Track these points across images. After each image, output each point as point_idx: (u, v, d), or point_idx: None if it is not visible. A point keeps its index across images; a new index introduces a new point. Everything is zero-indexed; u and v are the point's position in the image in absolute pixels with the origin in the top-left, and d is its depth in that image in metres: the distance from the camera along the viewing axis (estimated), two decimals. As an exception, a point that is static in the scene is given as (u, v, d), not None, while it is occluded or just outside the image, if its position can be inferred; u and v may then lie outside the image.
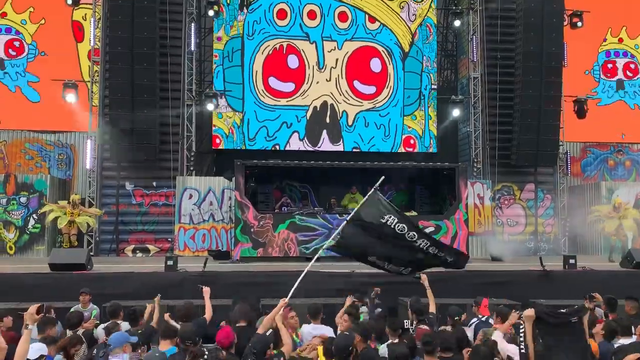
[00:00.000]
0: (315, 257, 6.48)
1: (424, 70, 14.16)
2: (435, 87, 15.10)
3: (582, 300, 8.05)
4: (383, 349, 5.43)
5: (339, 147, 13.55)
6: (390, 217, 6.31)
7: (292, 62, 13.16)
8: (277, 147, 13.69)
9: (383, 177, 6.83)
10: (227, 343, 5.05)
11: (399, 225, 6.31)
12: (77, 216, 13.81)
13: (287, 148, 13.71)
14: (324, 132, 13.54)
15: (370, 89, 13.52)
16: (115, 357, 4.96)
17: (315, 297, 8.88)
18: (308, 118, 13.56)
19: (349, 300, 7.26)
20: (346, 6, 13.25)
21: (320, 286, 9.53)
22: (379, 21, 13.41)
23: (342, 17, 13.29)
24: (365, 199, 6.50)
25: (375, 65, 13.53)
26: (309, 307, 6.76)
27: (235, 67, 13.38)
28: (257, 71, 13.37)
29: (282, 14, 13.10)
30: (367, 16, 13.30)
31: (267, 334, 5.32)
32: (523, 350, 4.28)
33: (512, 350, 4.60)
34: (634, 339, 5.75)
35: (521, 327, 4.29)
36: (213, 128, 15.65)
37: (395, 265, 6.61)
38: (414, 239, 6.38)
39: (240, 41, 13.33)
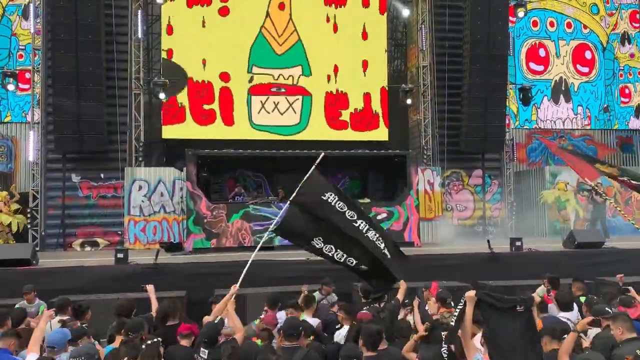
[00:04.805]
0: (260, 243, 6.42)
1: None
2: None
3: (529, 280, 8.44)
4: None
5: None
6: (330, 195, 6.08)
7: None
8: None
9: (323, 154, 6.55)
10: (185, 331, 5.08)
11: (339, 204, 6.09)
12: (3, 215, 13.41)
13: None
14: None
15: None
16: (58, 357, 4.76)
17: (271, 285, 8.92)
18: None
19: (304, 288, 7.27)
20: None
21: (276, 274, 9.55)
22: None
23: None
24: (305, 178, 6.19)
25: None
26: (268, 298, 6.75)
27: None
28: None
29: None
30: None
31: (216, 321, 5.33)
32: (452, 323, 4.28)
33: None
34: (574, 313, 6.06)
35: (459, 305, 4.25)
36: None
37: (340, 251, 6.05)
38: (354, 218, 6.09)
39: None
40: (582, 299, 6.53)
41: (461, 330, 4.14)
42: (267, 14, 16.98)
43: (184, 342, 5.13)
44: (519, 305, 4.09)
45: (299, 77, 17.01)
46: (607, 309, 5.31)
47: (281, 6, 17.04)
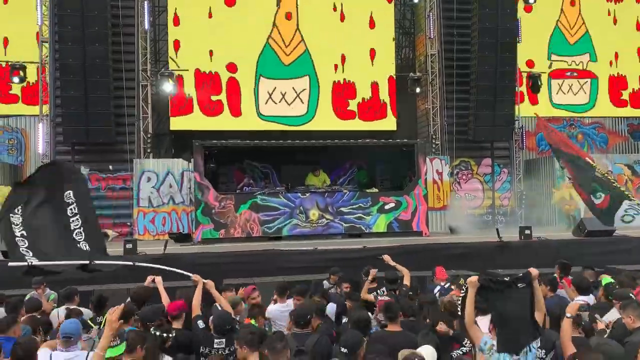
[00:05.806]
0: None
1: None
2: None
3: (539, 269, 8.35)
4: None
5: None
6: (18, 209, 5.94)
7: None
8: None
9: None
10: (175, 312, 5.06)
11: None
12: None
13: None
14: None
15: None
16: (74, 347, 4.76)
17: (279, 275, 8.94)
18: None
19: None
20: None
21: (284, 264, 9.57)
22: None
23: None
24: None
25: None
26: (277, 287, 6.70)
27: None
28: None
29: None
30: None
31: (220, 309, 5.38)
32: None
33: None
34: (592, 297, 6.03)
35: (461, 292, 4.34)
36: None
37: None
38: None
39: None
40: (606, 280, 6.49)
41: (466, 315, 4.19)
42: (274, 24, 16.90)
43: (176, 324, 5.07)
44: (519, 283, 4.18)
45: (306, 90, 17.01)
46: (629, 294, 5.27)
47: (288, 16, 16.93)
